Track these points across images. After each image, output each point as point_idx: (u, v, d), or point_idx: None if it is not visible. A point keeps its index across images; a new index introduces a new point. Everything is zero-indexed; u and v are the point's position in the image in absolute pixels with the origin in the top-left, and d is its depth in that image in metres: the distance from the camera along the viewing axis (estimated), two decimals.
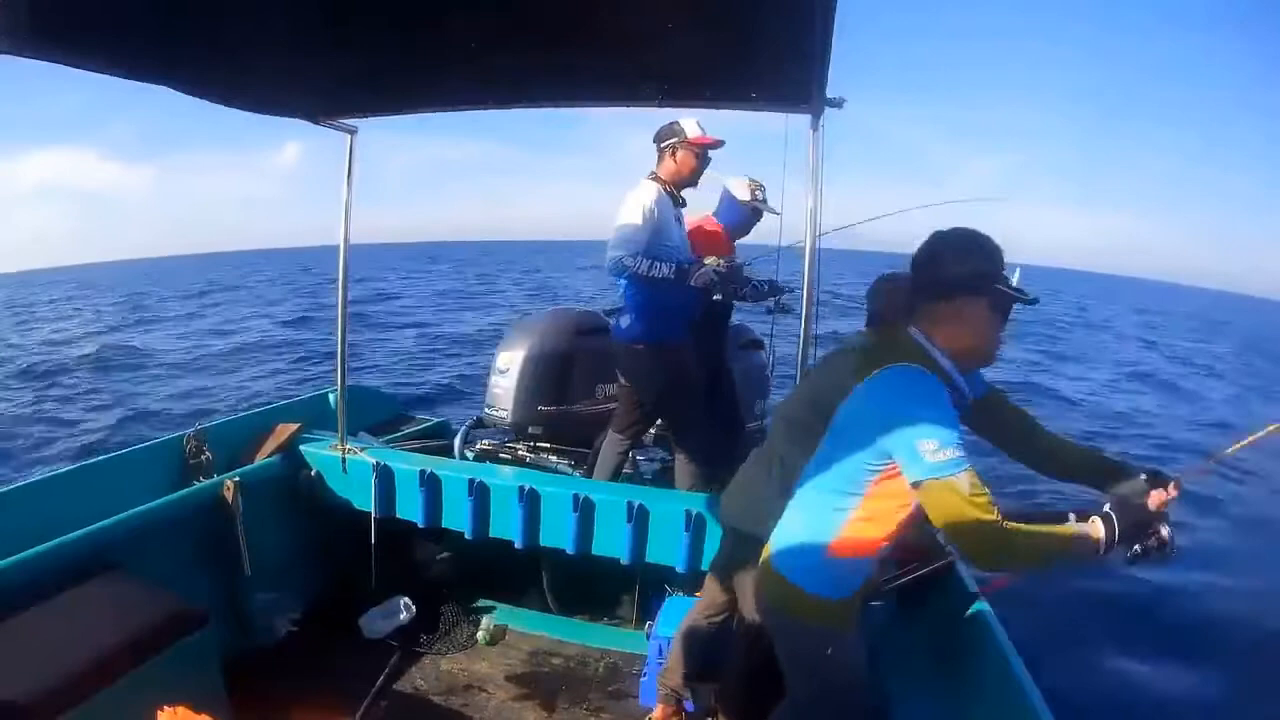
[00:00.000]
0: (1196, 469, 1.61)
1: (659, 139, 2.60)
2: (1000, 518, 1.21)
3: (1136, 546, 1.31)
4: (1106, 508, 1.32)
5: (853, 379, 1.40)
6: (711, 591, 1.98)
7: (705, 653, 2.01)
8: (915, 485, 1.27)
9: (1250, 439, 1.77)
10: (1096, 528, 1.29)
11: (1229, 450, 1.86)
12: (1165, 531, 1.32)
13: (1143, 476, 1.48)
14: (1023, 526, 1.24)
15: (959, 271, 1.36)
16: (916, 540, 2.13)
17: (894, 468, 1.31)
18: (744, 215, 2.89)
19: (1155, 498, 1.42)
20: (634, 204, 2.51)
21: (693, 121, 2.56)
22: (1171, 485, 1.44)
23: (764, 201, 2.84)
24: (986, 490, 1.23)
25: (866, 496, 1.37)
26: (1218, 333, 28.42)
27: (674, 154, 2.58)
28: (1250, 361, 18.26)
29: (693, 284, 2.46)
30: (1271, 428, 1.77)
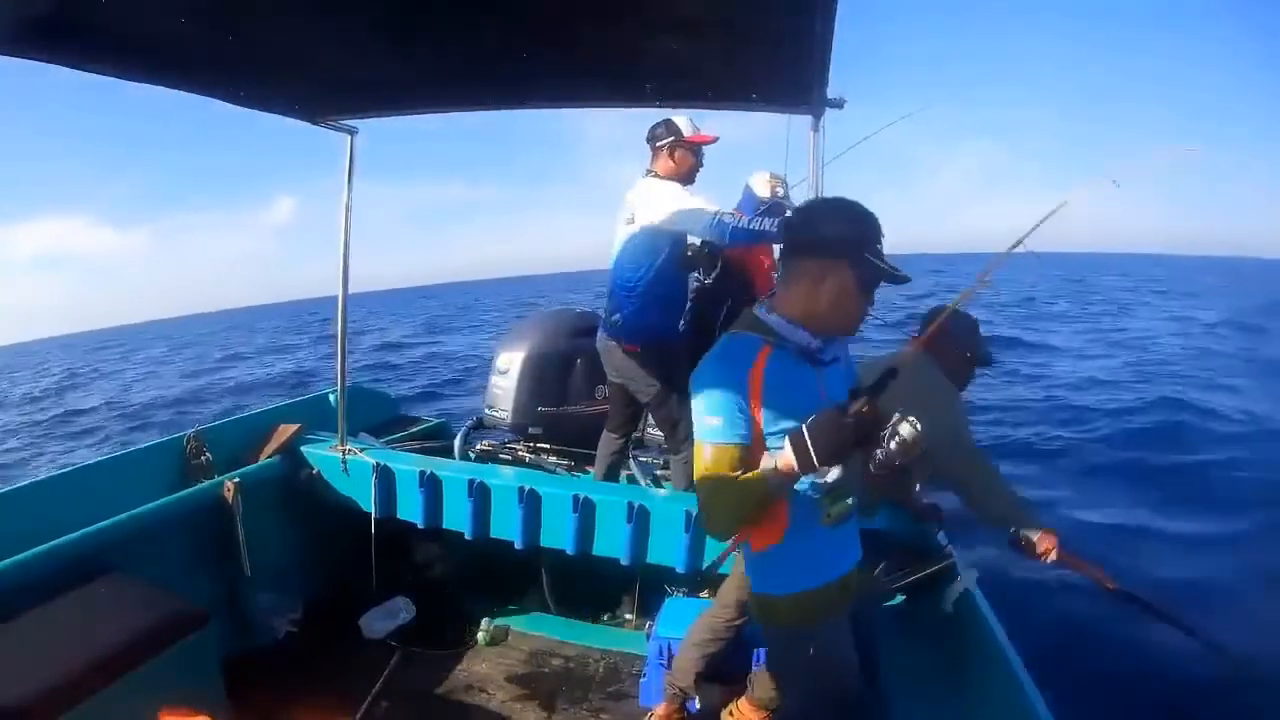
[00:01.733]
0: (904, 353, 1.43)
1: (653, 139, 2.59)
2: (705, 491, 1.25)
3: (878, 453, 1.25)
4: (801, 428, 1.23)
5: None
6: (726, 595, 1.97)
7: (715, 654, 2.01)
8: None
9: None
10: (785, 454, 1.22)
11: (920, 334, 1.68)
12: (905, 429, 1.24)
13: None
14: (729, 485, 1.24)
15: (826, 234, 1.33)
16: (917, 541, 2.13)
17: None
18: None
19: (856, 407, 1.24)
20: (671, 190, 2.49)
21: (685, 119, 2.55)
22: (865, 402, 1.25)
23: (785, 197, 2.81)
24: (724, 458, 1.24)
25: None
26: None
27: (672, 153, 2.57)
28: None
29: None
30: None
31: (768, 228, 2.30)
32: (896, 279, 1.32)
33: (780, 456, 1.23)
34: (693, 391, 1.31)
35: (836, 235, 1.31)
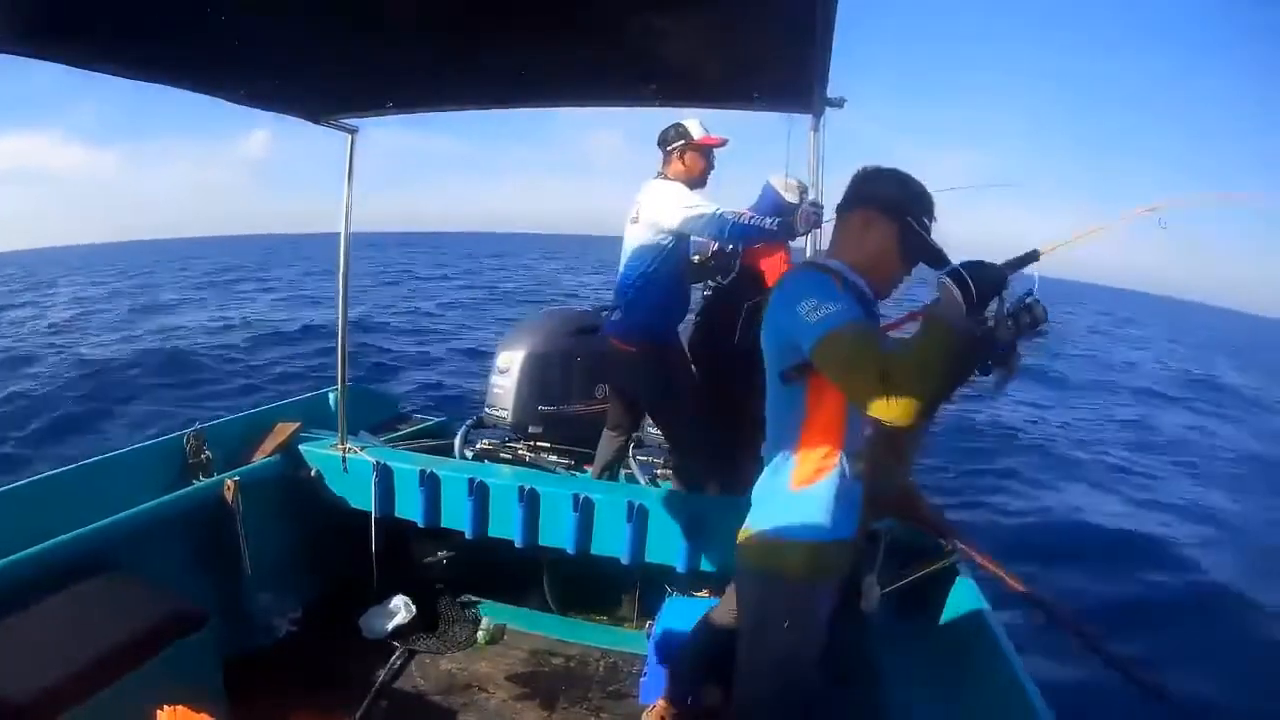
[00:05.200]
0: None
1: (663, 142, 2.57)
2: (885, 353, 1.16)
3: (1010, 322, 1.20)
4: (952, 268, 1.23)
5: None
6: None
7: (723, 654, 2.00)
8: (810, 354, 1.23)
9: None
10: (950, 291, 1.19)
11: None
12: (1033, 302, 1.21)
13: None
14: (909, 345, 1.18)
15: (878, 190, 1.41)
16: (916, 541, 2.13)
17: (809, 365, 1.27)
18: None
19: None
20: (672, 190, 2.46)
21: (696, 122, 2.54)
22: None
23: (806, 202, 2.78)
24: (872, 333, 1.23)
25: (809, 406, 1.34)
26: None
27: (682, 156, 2.55)
28: None
29: (803, 230, 2.31)
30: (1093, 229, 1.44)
31: (768, 226, 2.29)
32: (938, 256, 1.34)
33: (946, 291, 1.19)
34: (791, 304, 1.28)
35: (887, 193, 1.40)
